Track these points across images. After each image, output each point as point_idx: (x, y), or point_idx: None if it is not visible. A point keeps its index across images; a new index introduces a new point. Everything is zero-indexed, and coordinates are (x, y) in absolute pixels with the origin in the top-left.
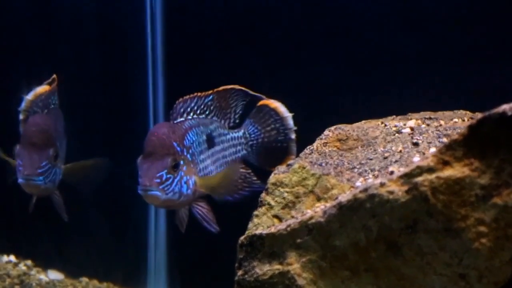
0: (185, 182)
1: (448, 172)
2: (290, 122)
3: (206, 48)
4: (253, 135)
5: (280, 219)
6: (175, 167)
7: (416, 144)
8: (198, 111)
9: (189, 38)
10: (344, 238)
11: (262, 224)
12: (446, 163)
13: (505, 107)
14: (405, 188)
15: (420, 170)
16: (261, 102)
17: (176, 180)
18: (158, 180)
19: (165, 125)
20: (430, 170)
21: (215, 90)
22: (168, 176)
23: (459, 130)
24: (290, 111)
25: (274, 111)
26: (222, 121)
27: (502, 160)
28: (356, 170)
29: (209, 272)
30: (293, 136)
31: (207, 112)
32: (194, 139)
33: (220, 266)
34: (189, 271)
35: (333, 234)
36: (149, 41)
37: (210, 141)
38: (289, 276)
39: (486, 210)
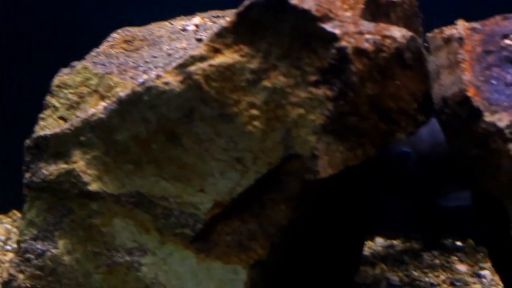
0: None
1: (219, 60)
2: None
3: None
4: None
5: (65, 120)
6: None
7: (200, 40)
8: None
9: None
10: (125, 132)
11: (48, 126)
12: (217, 51)
13: None
14: (180, 78)
15: (193, 60)
16: None
17: None
18: None
19: None
20: (202, 58)
21: None
22: None
23: None
24: None
25: None
26: None
27: (269, 44)
28: (140, 68)
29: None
30: None
31: None
32: None
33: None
34: None
35: (114, 129)
36: None
37: None
38: (74, 174)
39: (257, 94)
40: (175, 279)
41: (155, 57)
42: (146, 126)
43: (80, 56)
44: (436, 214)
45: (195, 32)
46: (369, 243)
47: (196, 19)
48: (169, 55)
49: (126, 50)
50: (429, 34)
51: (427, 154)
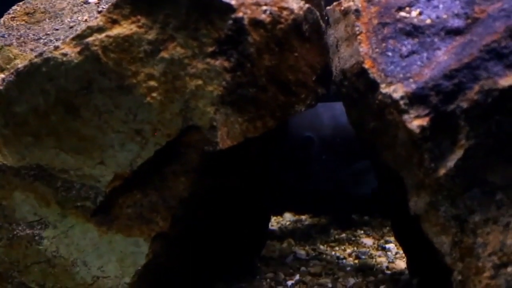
0: None
1: (117, 30)
2: None
3: None
4: None
5: None
6: None
7: (101, 13)
8: None
9: None
10: (24, 105)
11: None
12: (115, 22)
13: None
14: (78, 49)
15: (91, 31)
16: None
17: None
18: None
19: None
20: (100, 29)
21: None
22: None
23: None
24: None
25: None
26: None
27: (166, 15)
28: (41, 40)
29: None
30: None
31: None
32: None
33: None
34: None
35: (13, 101)
36: None
37: None
38: None
39: (155, 65)
40: (77, 252)
41: (56, 29)
42: (45, 98)
43: None
44: (344, 196)
45: (97, 4)
46: (277, 218)
47: None
48: (71, 27)
49: (27, 22)
50: (328, 7)
51: (329, 138)
